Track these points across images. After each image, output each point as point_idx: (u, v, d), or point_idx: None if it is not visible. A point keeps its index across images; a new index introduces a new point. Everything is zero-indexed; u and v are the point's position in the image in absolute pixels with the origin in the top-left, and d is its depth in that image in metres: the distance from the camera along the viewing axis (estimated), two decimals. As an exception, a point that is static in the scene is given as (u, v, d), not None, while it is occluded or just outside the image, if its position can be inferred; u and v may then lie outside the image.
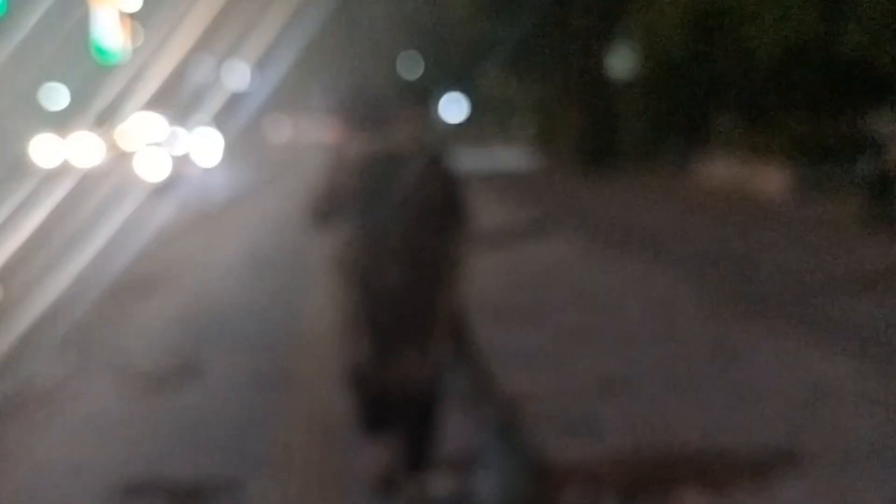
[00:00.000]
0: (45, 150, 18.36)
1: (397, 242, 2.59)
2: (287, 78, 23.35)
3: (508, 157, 21.64)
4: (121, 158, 17.06)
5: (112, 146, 18.05)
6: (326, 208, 2.66)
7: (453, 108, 23.40)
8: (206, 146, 20.91)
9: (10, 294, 5.85)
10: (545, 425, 3.34)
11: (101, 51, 20.30)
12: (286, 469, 3.17)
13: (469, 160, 16.01)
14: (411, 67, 22.20)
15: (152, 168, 16.87)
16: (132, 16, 21.40)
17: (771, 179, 14.05)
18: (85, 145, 18.30)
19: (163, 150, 18.27)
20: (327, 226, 2.70)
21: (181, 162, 18.48)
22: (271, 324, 5.53)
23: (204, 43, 19.11)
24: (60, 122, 18.69)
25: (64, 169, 16.69)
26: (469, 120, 24.95)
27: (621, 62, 19.84)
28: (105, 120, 17.92)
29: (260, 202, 13.45)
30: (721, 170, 15.84)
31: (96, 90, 16.53)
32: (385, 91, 2.99)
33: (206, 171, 19.55)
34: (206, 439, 3.44)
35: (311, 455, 3.35)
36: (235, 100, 24.83)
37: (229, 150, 23.32)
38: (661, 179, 16.63)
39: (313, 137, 25.76)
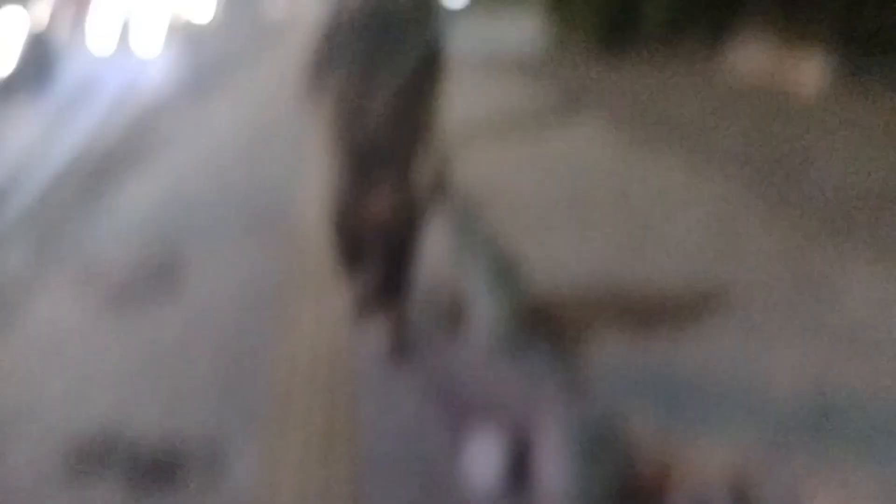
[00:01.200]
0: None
1: (383, 89, 2.75)
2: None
3: (519, 34, 20.15)
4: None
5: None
6: (321, 59, 2.79)
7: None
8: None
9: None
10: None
11: None
12: (280, 418, 2.50)
13: (475, 39, 14.56)
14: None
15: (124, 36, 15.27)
16: None
17: (811, 70, 12.85)
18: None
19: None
20: (321, 80, 2.77)
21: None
22: (262, 217, 4.65)
23: None
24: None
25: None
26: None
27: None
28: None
29: (250, 77, 12.09)
30: (758, 56, 14.54)
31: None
32: None
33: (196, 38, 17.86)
34: (182, 381, 2.70)
35: (311, 398, 2.66)
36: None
37: (222, 21, 21.73)
38: (689, 65, 15.27)
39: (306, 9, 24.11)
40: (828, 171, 6.00)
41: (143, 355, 2.88)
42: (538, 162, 6.22)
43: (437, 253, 3.27)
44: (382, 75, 2.77)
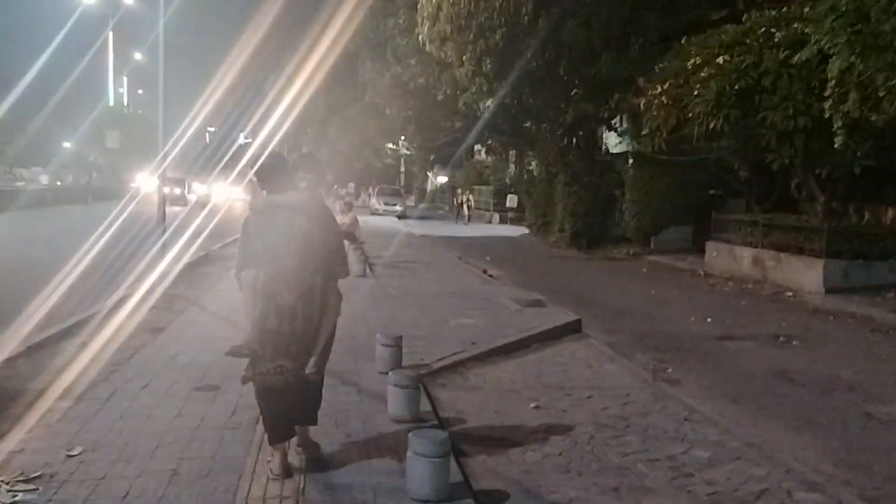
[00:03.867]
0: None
1: (292, 273, 3.83)
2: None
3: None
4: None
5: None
6: (245, 261, 3.93)
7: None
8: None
9: None
10: None
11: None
12: None
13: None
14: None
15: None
16: None
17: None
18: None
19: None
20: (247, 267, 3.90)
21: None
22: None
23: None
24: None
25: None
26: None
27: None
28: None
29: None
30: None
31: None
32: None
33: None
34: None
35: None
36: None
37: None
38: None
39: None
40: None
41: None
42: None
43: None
44: (287, 273, 3.81)
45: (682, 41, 14.30)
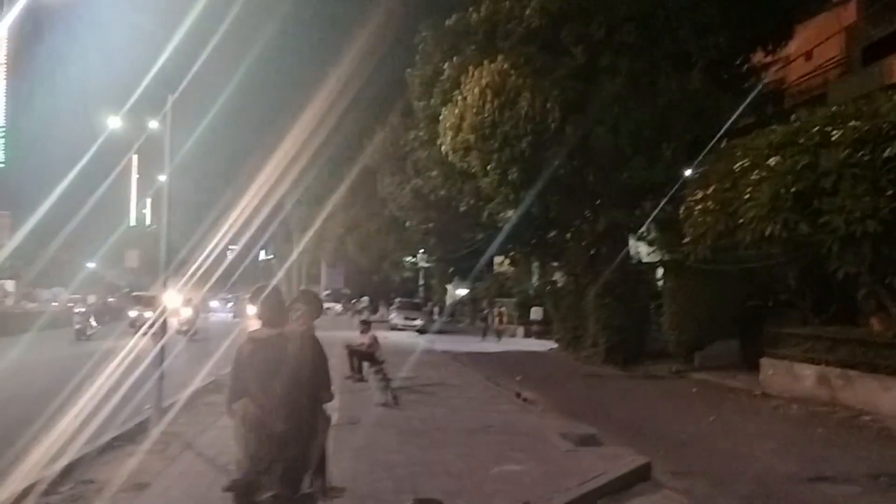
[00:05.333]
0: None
1: (281, 401, 4.01)
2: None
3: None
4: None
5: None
6: (236, 391, 4.14)
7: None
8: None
9: None
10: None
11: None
12: None
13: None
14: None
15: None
16: None
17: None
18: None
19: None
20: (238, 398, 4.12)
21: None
22: None
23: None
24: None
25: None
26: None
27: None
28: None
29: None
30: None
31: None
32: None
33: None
34: None
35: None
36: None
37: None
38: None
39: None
40: None
41: None
42: None
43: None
44: (276, 402, 4.01)
45: (723, 144, 13.48)
